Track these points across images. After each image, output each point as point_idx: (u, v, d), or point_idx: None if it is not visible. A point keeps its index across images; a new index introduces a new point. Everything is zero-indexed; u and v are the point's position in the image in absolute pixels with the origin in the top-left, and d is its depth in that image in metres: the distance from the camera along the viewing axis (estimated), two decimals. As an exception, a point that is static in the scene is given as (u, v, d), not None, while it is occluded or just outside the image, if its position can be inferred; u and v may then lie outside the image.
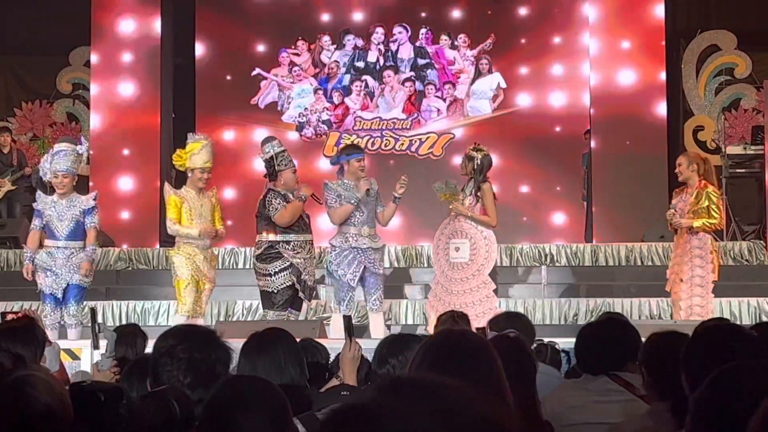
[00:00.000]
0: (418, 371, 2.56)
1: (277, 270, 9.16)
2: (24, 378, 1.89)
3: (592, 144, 13.50)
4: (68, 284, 9.39)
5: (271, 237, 9.21)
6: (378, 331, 9.32)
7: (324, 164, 13.18)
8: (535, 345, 5.54)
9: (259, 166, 13.77)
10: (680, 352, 3.35)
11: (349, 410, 1.20)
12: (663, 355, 3.55)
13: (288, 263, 9.16)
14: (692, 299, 9.30)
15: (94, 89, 14.19)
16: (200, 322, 9.26)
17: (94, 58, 14.19)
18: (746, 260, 11.76)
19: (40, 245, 9.54)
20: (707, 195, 9.25)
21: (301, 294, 9.23)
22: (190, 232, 9.36)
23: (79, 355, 8.35)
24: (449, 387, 1.22)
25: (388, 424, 1.16)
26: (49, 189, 9.72)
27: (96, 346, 5.53)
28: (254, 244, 9.47)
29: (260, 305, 9.63)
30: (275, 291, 9.16)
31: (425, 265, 11.88)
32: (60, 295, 9.38)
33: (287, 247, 9.19)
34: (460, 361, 2.57)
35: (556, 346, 5.94)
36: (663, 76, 13.63)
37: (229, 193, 14.00)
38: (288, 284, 9.15)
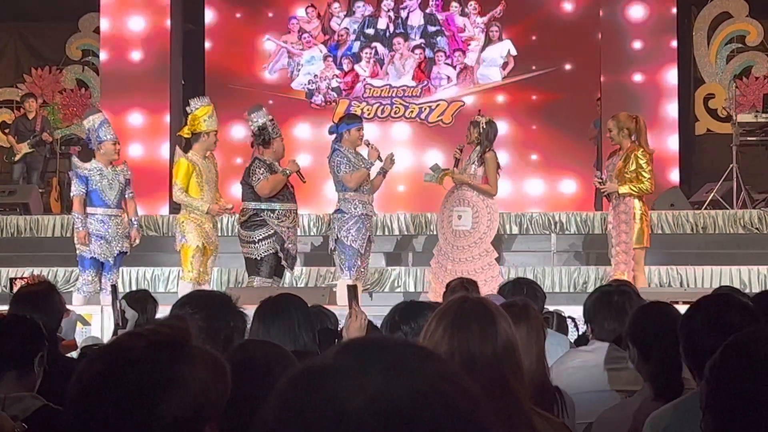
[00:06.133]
0: (433, 337, 2.57)
1: (260, 237, 9.26)
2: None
3: (603, 111, 13.45)
4: (119, 251, 9.62)
5: (256, 205, 9.29)
6: (344, 299, 9.38)
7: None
8: (542, 313, 5.55)
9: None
10: (665, 322, 3.36)
11: (305, 371, 1.21)
12: (649, 327, 3.54)
13: (272, 231, 9.26)
14: (618, 266, 9.17)
15: (104, 56, 14.17)
16: (206, 287, 9.39)
17: (103, 25, 14.16)
18: (756, 228, 11.73)
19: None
20: (635, 158, 8.98)
21: (283, 262, 9.32)
22: (199, 206, 9.44)
23: (90, 320, 8.41)
24: (405, 346, 1.24)
25: (342, 382, 1.18)
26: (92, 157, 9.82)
27: (117, 323, 5.52)
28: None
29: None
30: (259, 258, 9.26)
31: (434, 232, 11.89)
32: (111, 262, 9.55)
33: (272, 215, 9.28)
34: (475, 326, 2.58)
35: (563, 314, 5.95)
36: (674, 43, 13.57)
37: (239, 161, 13.98)
38: (272, 252, 9.23)
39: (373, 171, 9.65)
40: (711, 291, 5.86)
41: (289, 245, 9.36)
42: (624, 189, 8.99)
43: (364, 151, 9.65)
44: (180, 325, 1.86)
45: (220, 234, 11.33)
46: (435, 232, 11.45)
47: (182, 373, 1.76)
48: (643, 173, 8.99)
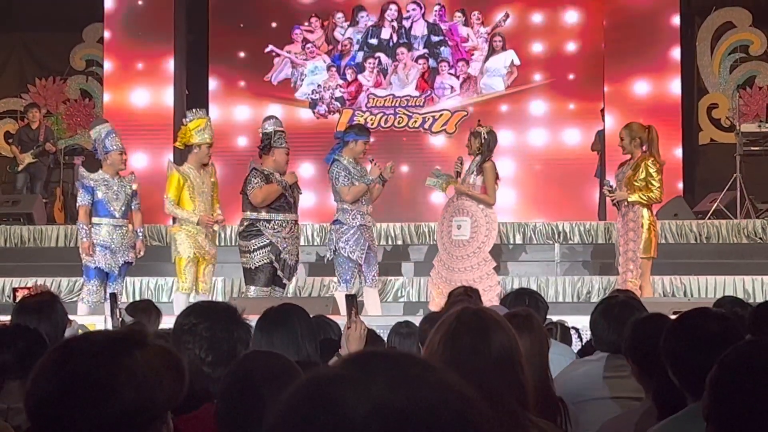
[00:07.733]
0: (430, 348, 2.56)
1: (255, 247, 9.28)
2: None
3: (606, 121, 13.46)
4: (124, 262, 9.63)
5: (253, 215, 9.33)
6: (376, 307, 9.43)
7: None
8: (545, 324, 5.54)
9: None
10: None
11: (311, 380, 1.23)
12: (646, 340, 3.51)
13: (267, 241, 9.29)
14: (626, 274, 9.16)
15: (108, 66, 14.20)
16: (206, 297, 9.43)
17: (107, 35, 14.20)
18: (760, 238, 11.73)
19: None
20: (646, 167, 9.01)
21: (279, 273, 9.32)
22: (189, 218, 9.52)
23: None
24: (410, 357, 1.26)
25: (347, 391, 1.19)
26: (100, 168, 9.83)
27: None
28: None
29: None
30: (253, 268, 9.29)
31: (431, 242, 11.89)
32: (116, 272, 9.57)
33: (267, 225, 9.31)
34: (466, 339, 2.56)
35: (566, 324, 5.94)
36: (677, 53, 13.58)
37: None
38: (266, 262, 9.26)
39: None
40: (714, 301, 5.85)
41: (286, 256, 9.37)
42: (633, 197, 9.03)
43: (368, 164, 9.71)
44: (139, 327, 1.92)
45: (223, 244, 11.37)
46: (431, 242, 11.48)
47: (136, 362, 1.79)
48: (653, 182, 9.03)
